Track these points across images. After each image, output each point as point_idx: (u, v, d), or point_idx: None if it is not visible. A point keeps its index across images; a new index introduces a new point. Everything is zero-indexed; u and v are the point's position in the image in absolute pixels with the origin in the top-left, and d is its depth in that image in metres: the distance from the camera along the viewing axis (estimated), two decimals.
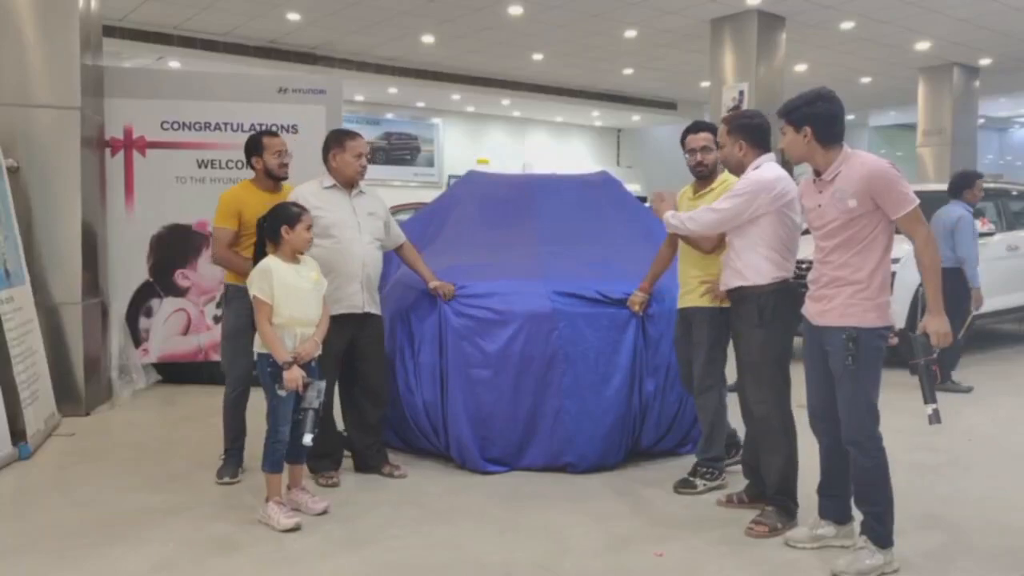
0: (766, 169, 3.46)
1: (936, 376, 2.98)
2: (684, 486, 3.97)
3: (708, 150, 3.89)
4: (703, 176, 3.96)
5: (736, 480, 3.97)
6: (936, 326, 2.93)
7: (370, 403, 4.24)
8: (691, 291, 3.90)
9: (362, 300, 4.07)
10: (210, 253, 4.35)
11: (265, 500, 3.60)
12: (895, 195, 2.96)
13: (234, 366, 4.18)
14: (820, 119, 3.07)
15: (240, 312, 4.01)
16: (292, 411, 3.58)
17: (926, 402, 2.93)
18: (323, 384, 3.62)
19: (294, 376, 3.51)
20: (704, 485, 3.95)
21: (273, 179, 4.24)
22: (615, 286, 4.34)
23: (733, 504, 3.76)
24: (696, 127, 3.98)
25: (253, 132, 4.43)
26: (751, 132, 3.51)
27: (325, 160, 4.15)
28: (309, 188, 4.09)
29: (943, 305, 2.97)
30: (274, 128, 6.17)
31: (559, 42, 13.02)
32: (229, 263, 4.20)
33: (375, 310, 4.19)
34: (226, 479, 4.11)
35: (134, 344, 6.16)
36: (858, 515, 3.20)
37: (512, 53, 13.81)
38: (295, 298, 3.60)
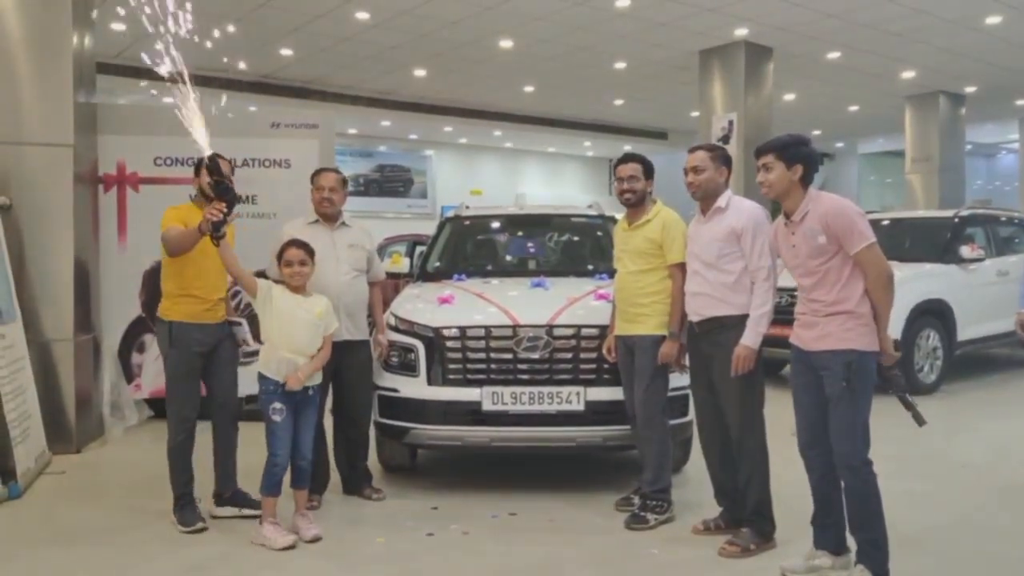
0: (752, 204, 3.70)
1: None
2: (636, 521, 3.91)
3: (635, 179, 4.02)
4: (630, 204, 4.04)
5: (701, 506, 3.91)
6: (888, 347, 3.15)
7: (355, 427, 4.39)
8: (633, 320, 3.95)
9: (342, 328, 4.18)
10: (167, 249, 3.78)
11: (259, 522, 3.64)
12: (851, 232, 3.07)
13: (183, 408, 3.93)
14: (809, 161, 3.23)
15: (186, 355, 3.89)
16: (290, 436, 3.67)
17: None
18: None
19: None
20: (655, 519, 3.90)
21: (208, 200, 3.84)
22: None
23: (710, 531, 3.75)
24: (625, 158, 4.12)
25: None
26: (730, 165, 3.83)
27: None
28: (295, 225, 4.32)
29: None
30: (267, 163, 6.26)
31: (550, 74, 13.16)
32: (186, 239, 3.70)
33: (359, 336, 4.31)
34: (199, 526, 3.85)
35: (126, 380, 6.13)
36: (853, 544, 3.18)
37: (503, 85, 13.95)
38: (285, 323, 3.73)
